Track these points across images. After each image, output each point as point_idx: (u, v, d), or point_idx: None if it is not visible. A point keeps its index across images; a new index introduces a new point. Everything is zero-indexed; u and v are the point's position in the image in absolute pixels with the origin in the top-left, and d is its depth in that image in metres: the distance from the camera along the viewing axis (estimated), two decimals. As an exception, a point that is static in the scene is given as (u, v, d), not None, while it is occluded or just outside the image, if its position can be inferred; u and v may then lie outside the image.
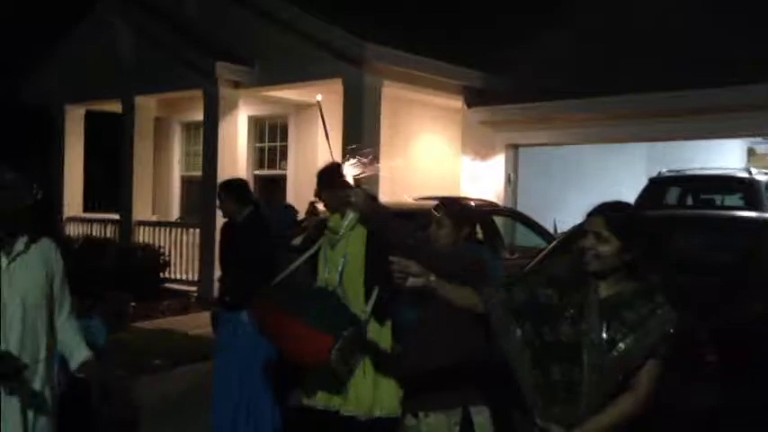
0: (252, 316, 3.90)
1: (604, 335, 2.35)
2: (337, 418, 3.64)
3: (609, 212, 2.42)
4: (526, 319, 2.45)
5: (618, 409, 2.34)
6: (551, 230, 8.42)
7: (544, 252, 5.67)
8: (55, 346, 2.99)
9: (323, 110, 3.94)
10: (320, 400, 3.71)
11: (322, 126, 3.81)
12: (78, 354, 3.00)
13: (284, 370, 4.23)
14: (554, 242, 6.03)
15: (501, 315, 2.49)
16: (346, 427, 3.63)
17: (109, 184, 13.07)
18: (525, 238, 8.33)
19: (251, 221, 4.60)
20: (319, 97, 4.33)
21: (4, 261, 2.83)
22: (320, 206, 4.06)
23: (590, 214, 2.45)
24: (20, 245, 2.87)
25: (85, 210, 13.38)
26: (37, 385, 2.88)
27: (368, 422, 3.57)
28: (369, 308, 3.63)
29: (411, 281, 2.44)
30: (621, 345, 2.34)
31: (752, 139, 14.44)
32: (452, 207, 3.24)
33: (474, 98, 10.74)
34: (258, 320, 3.69)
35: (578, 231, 2.49)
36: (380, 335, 3.68)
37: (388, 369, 3.55)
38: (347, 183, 3.48)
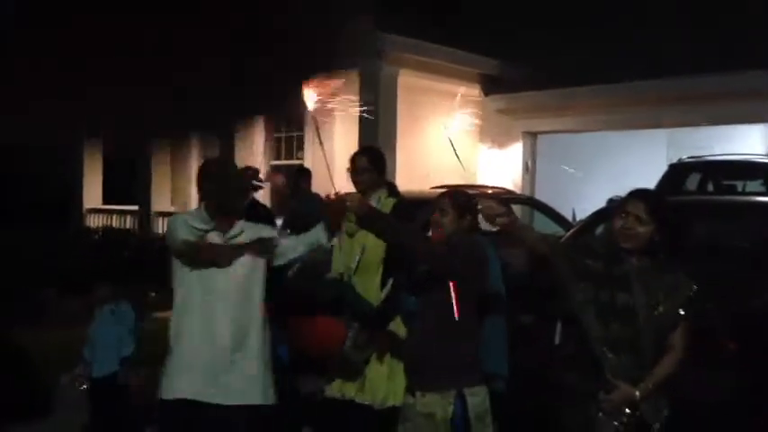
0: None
1: (648, 299, 2.71)
2: (352, 406, 3.65)
3: (648, 197, 2.79)
4: (582, 281, 2.79)
5: (665, 367, 2.72)
6: (570, 219, 8.35)
7: (576, 228, 5.83)
8: None
9: (319, 125, 3.87)
10: (335, 388, 3.72)
11: (319, 133, 3.77)
12: None
13: (299, 358, 4.24)
14: (585, 220, 6.09)
15: (566, 270, 2.82)
16: (361, 416, 3.64)
17: (127, 175, 13.17)
18: (543, 226, 8.27)
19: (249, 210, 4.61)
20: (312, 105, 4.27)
21: None
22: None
23: (630, 197, 2.80)
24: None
25: (105, 201, 13.49)
26: None
27: (382, 411, 3.57)
28: (383, 296, 3.65)
29: (499, 220, 2.81)
30: (661, 308, 2.71)
31: (773, 125, 14.22)
32: (456, 196, 3.32)
33: (491, 86, 10.67)
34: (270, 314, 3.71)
35: (605, 213, 2.77)
36: (395, 324, 3.68)
37: (402, 357, 3.57)
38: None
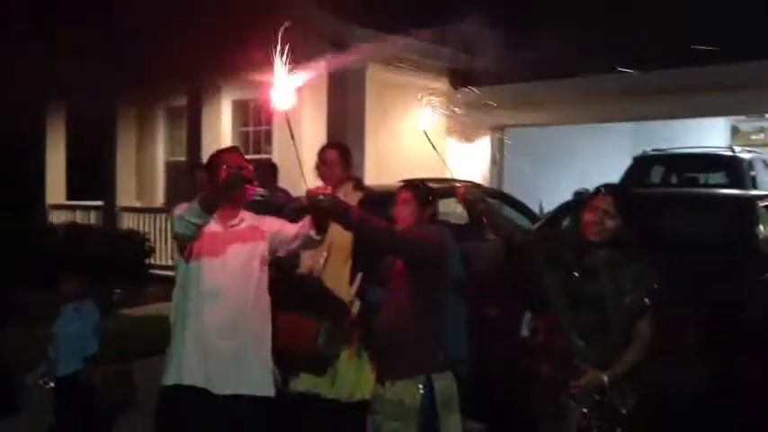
0: None
1: (615, 289, 2.84)
2: (322, 400, 3.67)
3: (616, 192, 2.91)
4: (554, 270, 2.92)
5: (632, 354, 2.84)
6: (537, 211, 8.43)
7: (543, 220, 5.93)
8: None
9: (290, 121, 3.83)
10: (305, 383, 3.73)
11: (290, 126, 3.71)
12: None
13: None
14: (552, 212, 6.16)
15: (540, 259, 2.96)
16: (330, 410, 3.66)
17: (92, 170, 12.96)
18: (501, 218, 8.32)
19: None
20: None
21: None
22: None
23: (597, 193, 2.93)
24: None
25: (68, 197, 13.27)
26: None
27: (351, 404, 3.58)
28: (353, 292, 3.66)
29: (480, 206, 2.99)
30: (627, 297, 2.84)
31: (735, 118, 14.51)
32: (417, 187, 3.40)
33: (459, 80, 10.70)
34: None
35: (571, 205, 2.85)
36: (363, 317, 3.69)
37: (371, 350, 3.59)
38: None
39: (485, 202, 3.02)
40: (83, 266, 4.71)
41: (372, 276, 3.50)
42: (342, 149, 4.00)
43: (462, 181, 8.72)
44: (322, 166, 3.93)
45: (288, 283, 3.67)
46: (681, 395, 3.80)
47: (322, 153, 3.98)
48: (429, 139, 3.38)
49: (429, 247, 3.19)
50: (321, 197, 2.92)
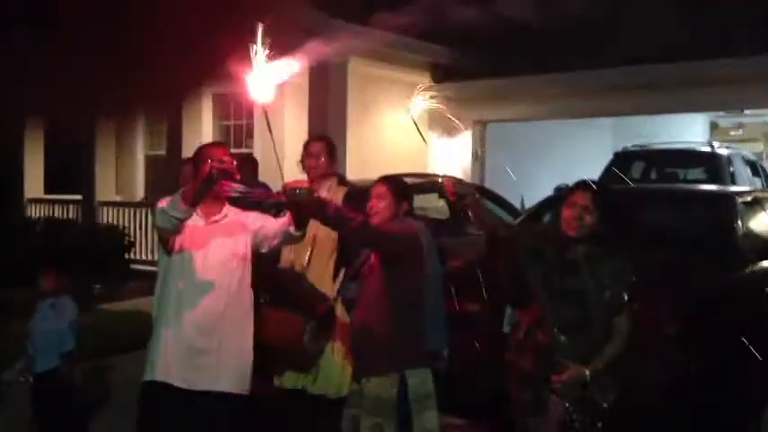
0: None
1: (595, 284, 2.87)
2: (306, 397, 3.66)
3: (594, 188, 2.94)
4: (537, 265, 2.95)
5: (613, 348, 2.87)
6: (518, 206, 8.46)
7: (524, 215, 5.98)
8: None
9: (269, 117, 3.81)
10: (289, 380, 3.72)
11: (268, 121, 3.69)
12: None
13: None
14: (533, 207, 6.18)
15: (523, 254, 2.99)
16: (315, 407, 3.65)
17: (70, 163, 12.82)
18: (486, 213, 8.34)
19: None
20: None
21: None
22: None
23: (575, 189, 2.96)
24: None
25: (47, 191, 13.11)
26: None
27: (336, 400, 3.58)
28: (336, 287, 3.66)
29: (469, 199, 2.97)
30: (607, 292, 2.87)
31: (715, 114, 14.64)
32: (392, 181, 3.39)
33: (441, 74, 10.70)
34: None
35: (554, 200, 2.89)
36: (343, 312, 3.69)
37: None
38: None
39: (473, 195, 3.02)
40: (60, 261, 4.63)
41: (353, 272, 3.50)
42: (327, 142, 4.00)
43: (443, 176, 8.74)
44: (307, 158, 3.92)
45: (270, 278, 3.65)
46: (659, 390, 3.83)
47: (308, 145, 3.97)
48: (417, 128, 3.34)
49: (403, 242, 3.18)
50: (297, 191, 2.88)
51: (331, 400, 3.62)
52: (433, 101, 3.28)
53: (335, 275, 3.76)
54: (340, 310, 3.66)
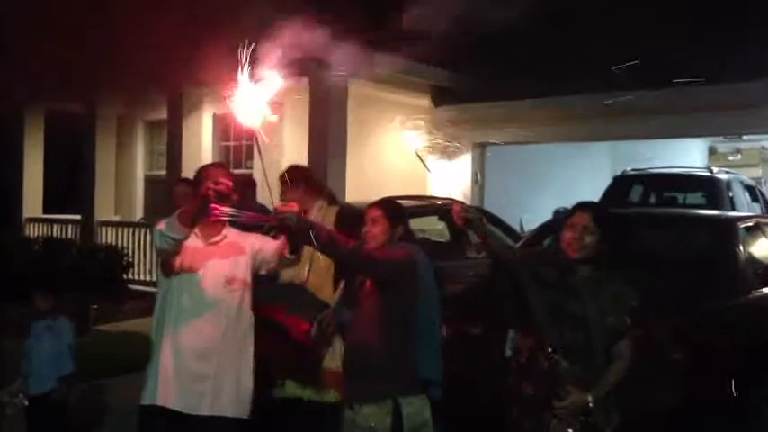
0: None
1: (597, 308, 2.84)
2: (306, 404, 3.67)
3: (593, 208, 2.94)
4: (537, 289, 2.92)
5: (615, 373, 2.85)
6: (518, 229, 8.45)
7: (525, 239, 5.96)
8: None
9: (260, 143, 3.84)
10: (289, 389, 3.72)
11: (258, 144, 3.70)
12: None
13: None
14: (533, 231, 6.16)
15: (526, 278, 2.95)
16: (316, 414, 3.64)
17: (70, 183, 12.82)
18: (492, 236, 8.33)
19: None
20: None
21: None
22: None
23: (575, 210, 2.95)
24: None
25: (45, 210, 13.10)
26: None
27: (335, 405, 3.55)
28: (336, 298, 3.70)
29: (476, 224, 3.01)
30: (609, 318, 2.84)
31: (713, 139, 14.70)
32: (387, 205, 3.32)
33: (441, 97, 10.75)
34: None
35: (553, 224, 2.91)
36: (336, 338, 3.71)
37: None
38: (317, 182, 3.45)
39: (480, 220, 3.02)
40: (57, 281, 4.61)
41: (342, 295, 3.51)
42: (299, 170, 4.02)
43: (443, 199, 8.75)
44: (282, 186, 3.94)
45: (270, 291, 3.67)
46: (662, 414, 3.79)
47: (282, 176, 3.99)
48: (422, 160, 3.37)
49: (397, 267, 3.11)
50: (287, 215, 2.86)
51: (330, 406, 3.59)
52: (432, 137, 3.28)
53: (335, 288, 3.77)
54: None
